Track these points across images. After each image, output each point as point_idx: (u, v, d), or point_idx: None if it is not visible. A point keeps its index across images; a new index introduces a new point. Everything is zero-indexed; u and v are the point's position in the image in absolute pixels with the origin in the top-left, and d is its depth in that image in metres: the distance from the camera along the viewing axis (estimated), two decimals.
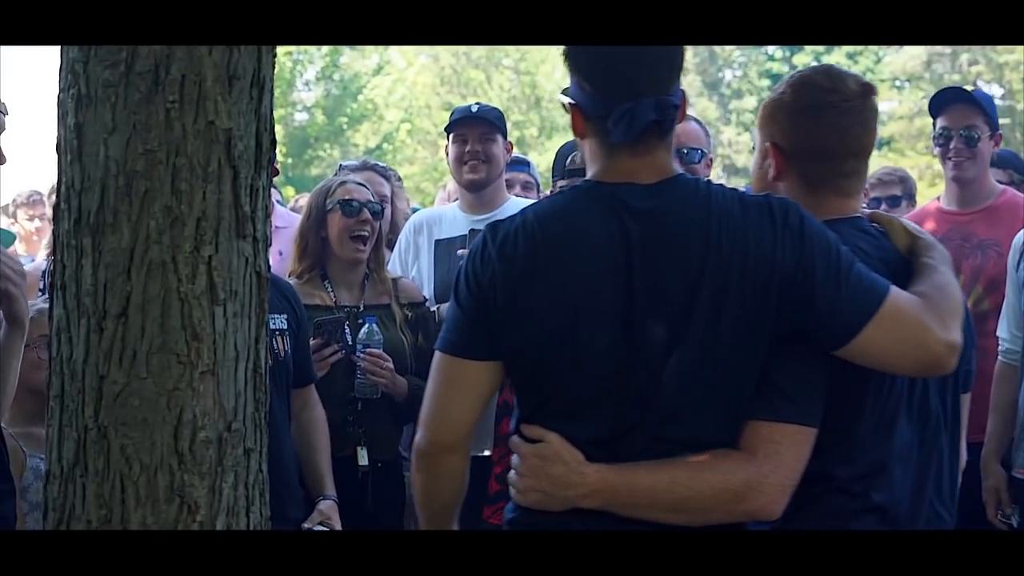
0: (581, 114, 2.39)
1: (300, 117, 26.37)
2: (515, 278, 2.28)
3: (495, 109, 5.01)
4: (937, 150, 4.72)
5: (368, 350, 4.26)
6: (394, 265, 4.95)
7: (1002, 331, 4.27)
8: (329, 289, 4.44)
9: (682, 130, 4.69)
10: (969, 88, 4.81)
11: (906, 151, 29.45)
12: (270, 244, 2.29)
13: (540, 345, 2.26)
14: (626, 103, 2.29)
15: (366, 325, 4.29)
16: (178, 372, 2.10)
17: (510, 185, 5.79)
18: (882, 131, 32.91)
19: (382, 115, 26.09)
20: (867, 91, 2.60)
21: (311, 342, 4.20)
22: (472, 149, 4.84)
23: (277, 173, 4.04)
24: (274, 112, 2.20)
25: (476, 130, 4.85)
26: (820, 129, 2.55)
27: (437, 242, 4.87)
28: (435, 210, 5.32)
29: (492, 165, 4.86)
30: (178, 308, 2.10)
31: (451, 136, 4.93)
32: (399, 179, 6.67)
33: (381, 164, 5.74)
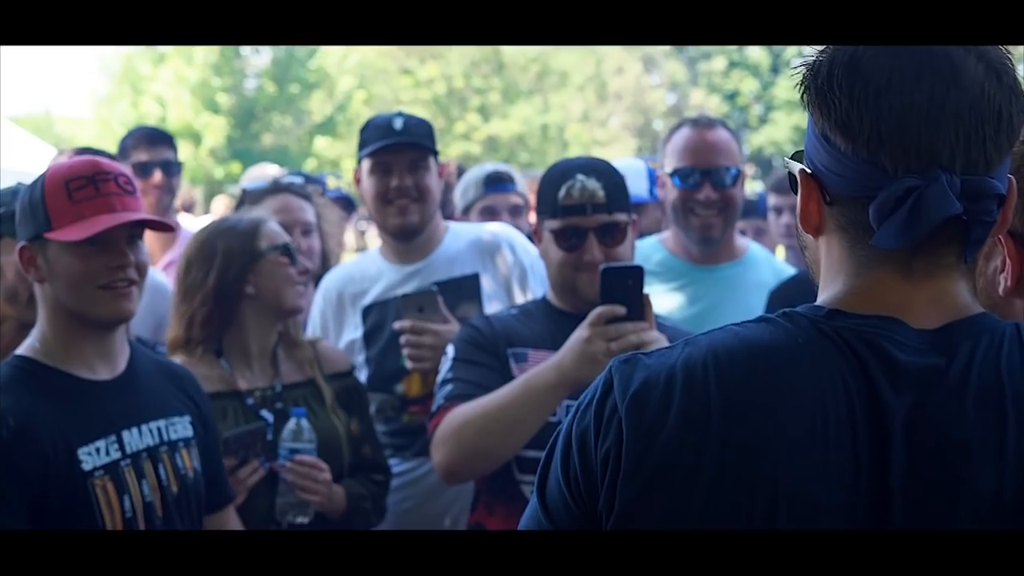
0: (820, 191, 1.47)
1: (251, 84, 25.43)
2: (657, 472, 1.41)
3: (423, 123, 3.74)
4: None
5: (297, 457, 3.17)
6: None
7: None
8: (226, 367, 3.29)
9: (713, 139, 3.74)
10: None
11: None
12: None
13: None
14: (909, 178, 1.39)
15: (292, 421, 3.20)
16: None
17: (495, 212, 4.71)
18: None
19: (334, 82, 25.09)
20: None
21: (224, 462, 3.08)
22: (400, 184, 3.62)
23: (171, 229, 2.95)
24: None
25: (403, 157, 3.63)
26: None
27: (366, 309, 3.72)
28: (348, 268, 3.97)
29: (427, 203, 3.67)
30: None
31: (367, 163, 3.69)
32: (326, 189, 5.66)
33: (297, 181, 4.48)
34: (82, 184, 2.60)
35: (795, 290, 3.61)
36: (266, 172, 6.51)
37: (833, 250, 1.47)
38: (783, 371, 1.40)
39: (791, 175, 1.52)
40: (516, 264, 3.70)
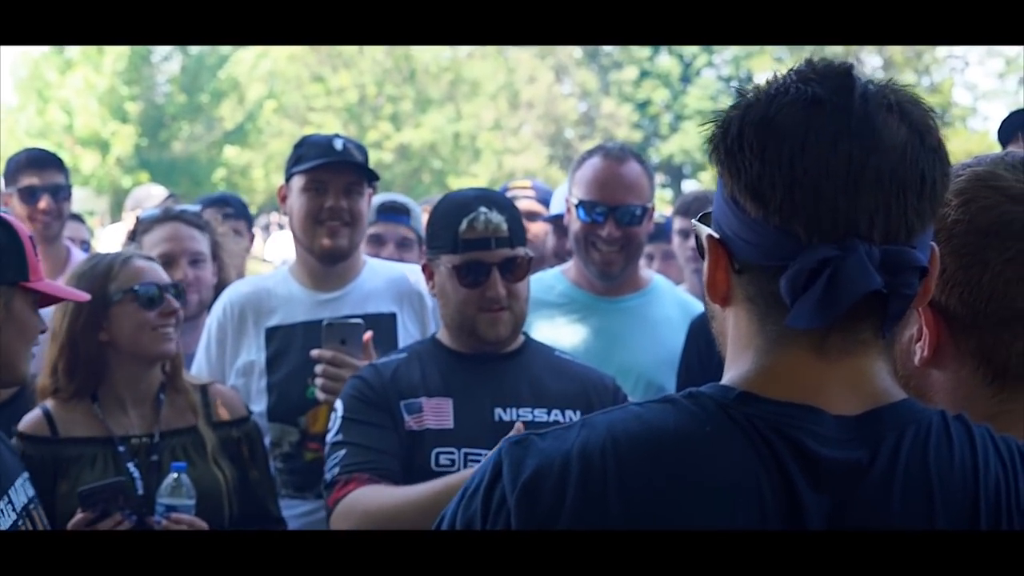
0: (729, 258, 1.33)
1: (161, 92, 25.09)
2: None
3: (362, 148, 3.60)
4: None
5: (174, 515, 2.97)
6: (199, 368, 3.59)
7: None
8: (98, 412, 3.13)
9: (622, 174, 3.66)
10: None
11: None
12: None
13: None
14: (824, 248, 1.25)
15: (171, 476, 3.00)
16: None
17: (382, 242, 4.55)
18: None
19: (243, 92, 24.80)
20: None
21: (77, 516, 2.86)
22: (334, 205, 3.45)
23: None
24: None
25: (341, 179, 3.47)
26: (1018, 270, 1.49)
27: (270, 331, 3.54)
28: (258, 282, 3.75)
29: (357, 228, 3.52)
30: None
31: (299, 180, 3.52)
32: (239, 214, 5.38)
33: (191, 208, 4.26)
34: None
35: None
36: (151, 193, 6.44)
37: (741, 322, 1.33)
38: (689, 463, 1.25)
39: (698, 238, 1.38)
40: (431, 312, 3.56)
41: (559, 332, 3.61)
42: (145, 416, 3.17)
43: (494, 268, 2.89)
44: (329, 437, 2.91)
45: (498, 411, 2.89)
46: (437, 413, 2.89)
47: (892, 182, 1.25)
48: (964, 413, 1.31)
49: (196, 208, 4.46)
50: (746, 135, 1.28)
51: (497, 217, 2.89)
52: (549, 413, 2.92)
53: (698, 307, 3.85)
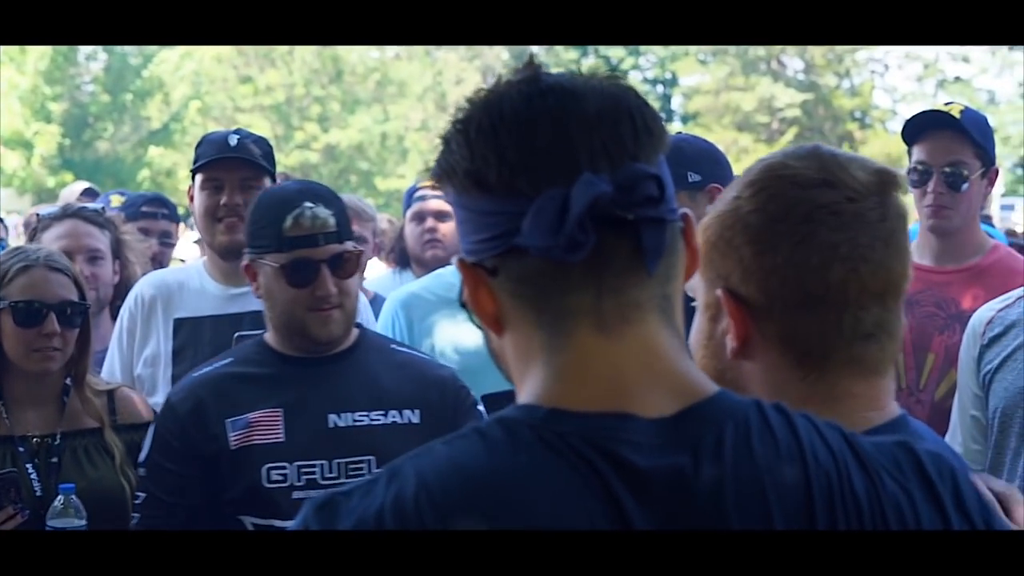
0: (484, 272, 1.24)
1: (85, 92, 24.86)
2: None
3: (261, 140, 3.61)
4: (912, 191, 3.60)
5: None
6: (111, 360, 3.58)
7: (953, 444, 3.09)
8: (2, 412, 3.12)
9: None
10: (957, 112, 3.57)
11: (712, 126, 29.37)
12: None
13: None
14: (552, 191, 1.19)
15: (60, 498, 2.87)
16: None
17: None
18: (688, 105, 33.00)
19: (168, 93, 24.62)
20: (886, 184, 1.57)
21: None
22: (230, 202, 3.44)
23: None
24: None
25: (235, 174, 3.47)
26: (810, 255, 1.54)
27: (178, 322, 3.53)
28: (171, 275, 3.80)
29: None
30: None
31: (198, 179, 3.53)
32: (161, 211, 5.25)
33: (91, 206, 4.25)
34: None
35: None
36: (74, 192, 6.40)
37: (520, 327, 1.23)
38: (510, 502, 1.15)
39: (457, 264, 1.27)
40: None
41: (461, 331, 3.56)
42: (47, 416, 3.13)
43: (323, 265, 2.77)
44: (141, 459, 2.89)
45: (332, 418, 2.81)
46: (266, 426, 2.78)
47: (602, 121, 1.20)
48: (781, 402, 1.24)
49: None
50: (453, 142, 1.23)
51: (323, 212, 2.77)
52: (386, 415, 2.84)
53: None
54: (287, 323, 2.82)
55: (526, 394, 1.22)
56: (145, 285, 3.61)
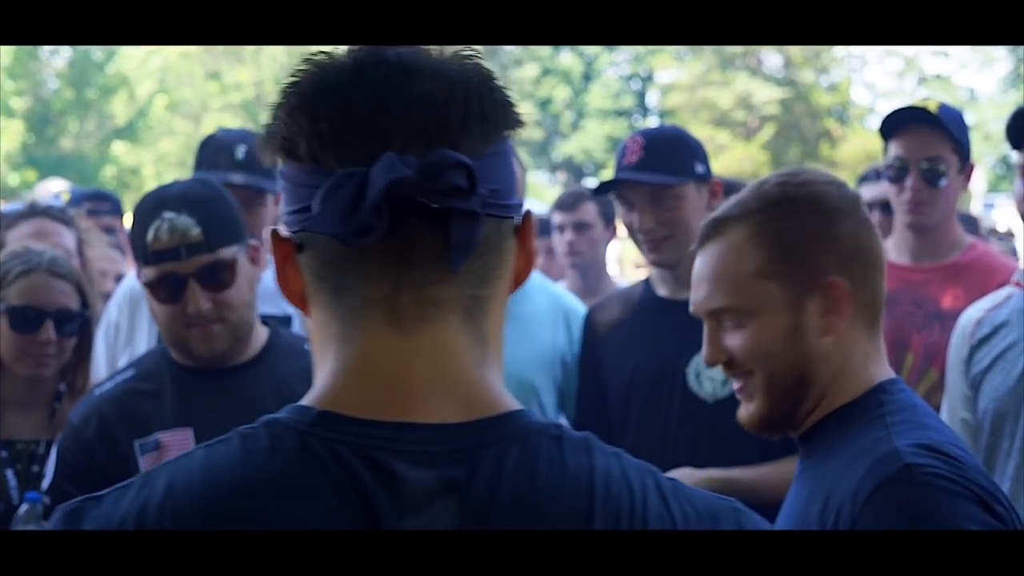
0: (291, 245, 1.19)
1: (48, 88, 24.66)
2: None
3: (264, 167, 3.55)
4: (889, 187, 3.64)
5: None
6: (98, 350, 3.50)
7: None
8: None
9: None
10: (934, 107, 3.60)
11: (689, 122, 29.16)
12: None
13: None
14: (355, 169, 1.12)
15: (24, 507, 2.80)
16: None
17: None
18: (664, 101, 32.86)
19: (133, 89, 24.44)
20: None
21: None
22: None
23: None
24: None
25: (238, 192, 3.29)
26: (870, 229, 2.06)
27: None
28: None
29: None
30: None
31: None
32: (110, 208, 5.47)
33: (57, 205, 4.26)
34: None
35: (617, 306, 3.47)
36: (49, 189, 6.30)
37: (321, 311, 1.18)
38: (254, 515, 1.10)
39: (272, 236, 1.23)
40: None
41: None
42: (36, 421, 3.10)
43: (190, 279, 2.54)
44: (44, 487, 2.80)
45: None
46: (177, 448, 2.57)
47: (428, 102, 1.14)
48: (591, 435, 1.19)
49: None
50: (277, 107, 1.17)
51: (185, 221, 2.52)
52: None
53: (569, 300, 3.83)
54: (170, 340, 2.66)
55: (309, 393, 1.18)
56: (133, 283, 3.56)
